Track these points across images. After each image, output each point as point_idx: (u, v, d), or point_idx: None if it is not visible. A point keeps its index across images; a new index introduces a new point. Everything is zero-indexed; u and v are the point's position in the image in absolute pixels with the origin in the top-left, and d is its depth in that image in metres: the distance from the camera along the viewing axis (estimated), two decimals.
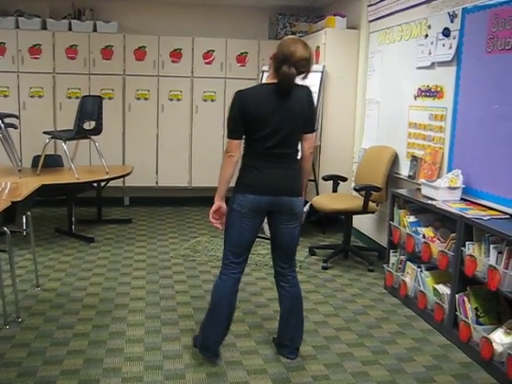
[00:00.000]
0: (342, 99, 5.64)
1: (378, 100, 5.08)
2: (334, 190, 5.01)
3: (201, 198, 6.78)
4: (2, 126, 5.03)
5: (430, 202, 3.63)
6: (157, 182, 6.72)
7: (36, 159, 5.50)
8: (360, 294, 4.11)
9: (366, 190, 4.51)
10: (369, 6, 5.26)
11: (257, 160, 2.83)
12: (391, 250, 4.17)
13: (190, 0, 6.65)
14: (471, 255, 3.12)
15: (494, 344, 2.92)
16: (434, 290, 3.55)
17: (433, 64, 4.09)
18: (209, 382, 2.81)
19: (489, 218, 3.15)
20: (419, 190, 3.97)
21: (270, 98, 2.77)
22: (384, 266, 4.23)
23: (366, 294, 4.13)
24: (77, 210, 5.79)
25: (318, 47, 5.70)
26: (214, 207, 2.92)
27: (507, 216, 3.20)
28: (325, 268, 4.65)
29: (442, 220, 3.66)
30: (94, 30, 6.34)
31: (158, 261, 4.74)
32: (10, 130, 5.26)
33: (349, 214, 4.83)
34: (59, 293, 3.94)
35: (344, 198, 4.88)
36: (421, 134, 4.28)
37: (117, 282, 4.19)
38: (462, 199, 3.60)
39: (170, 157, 6.65)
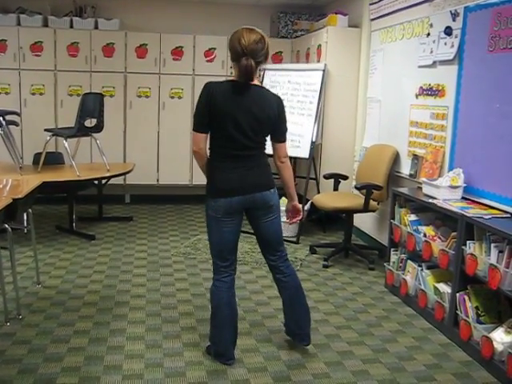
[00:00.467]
0: (344, 97, 5.63)
1: (380, 98, 5.07)
2: (335, 189, 5.01)
3: (202, 196, 6.70)
4: (4, 123, 5.03)
5: (431, 200, 3.62)
6: (158, 180, 6.72)
7: (37, 156, 5.50)
8: (361, 293, 4.11)
9: (367, 189, 4.51)
10: (370, 4, 5.25)
11: (222, 162, 2.83)
12: (392, 249, 4.17)
13: None
14: (472, 254, 3.12)
15: (494, 343, 2.92)
16: (435, 288, 3.55)
17: (434, 63, 4.09)
18: (209, 379, 2.81)
19: (490, 216, 3.15)
20: (420, 188, 3.96)
21: (236, 94, 2.75)
22: (385, 264, 4.23)
23: (366, 292, 4.13)
24: (78, 208, 5.80)
25: (320, 45, 5.69)
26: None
27: (508, 215, 3.19)
28: (325, 266, 4.66)
29: (442, 219, 3.66)
30: (96, 27, 6.34)
31: (158, 258, 4.74)
32: (12, 127, 5.25)
33: (350, 213, 4.82)
34: (60, 290, 3.94)
35: (345, 197, 4.88)
36: (422, 133, 4.28)
37: (117, 279, 4.20)
38: (463, 198, 3.60)
39: (171, 155, 6.65)
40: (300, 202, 3.16)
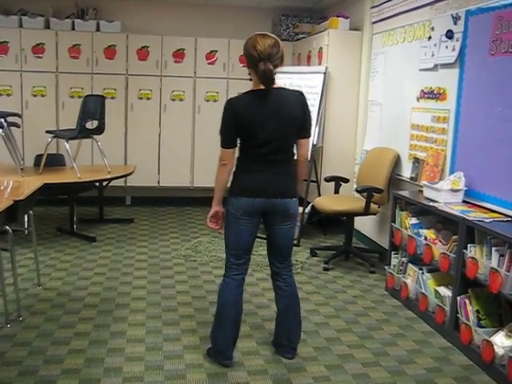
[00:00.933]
0: (345, 100, 5.64)
1: (381, 101, 5.07)
2: (336, 192, 5.01)
3: (202, 199, 6.76)
4: (5, 124, 5.03)
5: (431, 204, 3.62)
6: (159, 182, 6.72)
7: (38, 158, 5.51)
8: (361, 296, 4.10)
9: (367, 192, 4.51)
10: (372, 7, 5.26)
11: (251, 164, 2.84)
12: (393, 252, 4.17)
13: (193, 0, 6.66)
14: (473, 258, 3.12)
15: (495, 347, 2.92)
16: (436, 292, 3.55)
17: (436, 66, 4.09)
18: (209, 382, 2.81)
19: (491, 220, 3.15)
20: (421, 191, 3.96)
21: (259, 103, 2.77)
22: (385, 267, 4.22)
23: (367, 295, 4.12)
24: (78, 210, 5.79)
25: (321, 48, 5.70)
26: (211, 212, 2.96)
27: (509, 219, 3.19)
28: (326, 269, 4.65)
29: (443, 222, 3.65)
30: (97, 29, 6.35)
31: (159, 261, 4.74)
32: (13, 128, 5.26)
33: (350, 216, 4.82)
34: (60, 292, 3.94)
35: (346, 200, 4.88)
36: (423, 136, 4.28)
37: (118, 281, 4.19)
38: (464, 201, 3.60)
39: (172, 157, 6.65)
40: (301, 205, 3.16)
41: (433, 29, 4.13)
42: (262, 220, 2.95)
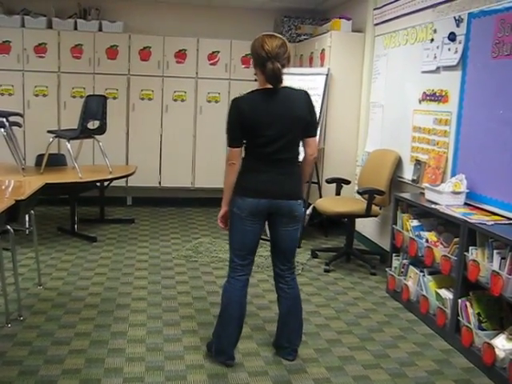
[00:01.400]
0: (347, 102, 5.63)
1: (383, 103, 5.07)
2: (337, 193, 5.01)
3: (204, 199, 6.79)
4: (7, 124, 5.04)
5: (433, 206, 3.62)
6: (160, 183, 6.72)
7: (40, 158, 5.51)
8: (362, 298, 4.10)
9: (369, 194, 4.51)
10: (374, 9, 5.26)
11: (256, 164, 2.84)
12: (394, 254, 4.17)
13: (195, 1, 6.67)
14: (474, 260, 3.11)
15: (496, 349, 2.91)
16: (437, 294, 3.54)
17: (438, 68, 4.09)
18: (210, 383, 2.81)
19: (492, 223, 3.15)
20: (423, 194, 3.96)
21: (264, 102, 2.77)
22: (386, 269, 4.22)
23: (368, 297, 4.12)
24: (79, 210, 5.80)
25: (323, 50, 5.70)
26: (221, 212, 2.96)
27: (511, 221, 3.19)
28: (327, 271, 4.65)
29: (445, 224, 3.65)
30: (100, 29, 6.36)
31: (160, 261, 4.74)
32: (15, 128, 5.26)
33: (352, 217, 4.82)
34: (61, 292, 3.94)
35: (347, 201, 4.87)
36: (425, 138, 4.27)
37: (119, 281, 4.19)
38: (465, 204, 3.60)
39: (174, 157, 6.65)
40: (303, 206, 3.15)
41: (435, 31, 4.13)
42: (267, 221, 2.95)
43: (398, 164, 4.65)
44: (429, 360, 3.16)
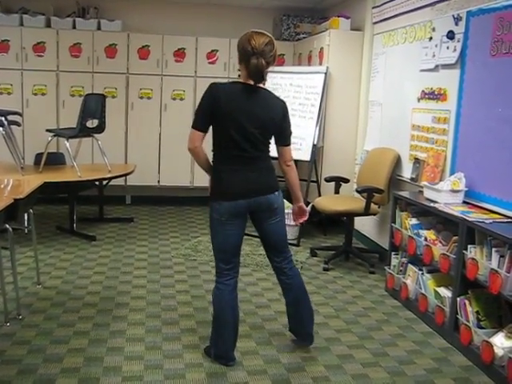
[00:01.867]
0: (345, 101, 5.63)
1: (381, 102, 5.07)
2: (336, 192, 5.01)
3: (202, 198, 6.76)
4: (5, 123, 5.03)
5: (432, 204, 3.62)
6: (159, 181, 6.72)
7: (38, 157, 5.51)
8: (361, 296, 4.10)
9: (368, 192, 4.51)
10: (373, 7, 5.26)
11: (227, 165, 2.83)
12: (393, 253, 4.17)
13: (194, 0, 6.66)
14: (473, 258, 3.11)
15: (494, 348, 2.92)
16: (435, 292, 3.54)
17: (437, 66, 4.09)
18: (209, 381, 2.81)
19: (491, 221, 3.15)
20: (421, 192, 3.96)
21: (242, 96, 2.76)
22: (385, 268, 4.22)
23: (366, 295, 4.12)
24: (78, 208, 5.80)
25: (322, 48, 5.70)
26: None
27: (509, 219, 3.19)
28: (326, 269, 4.65)
29: (444, 223, 3.65)
30: (98, 28, 6.35)
31: (159, 260, 4.74)
32: (13, 127, 5.26)
33: (350, 216, 4.82)
34: (60, 291, 3.94)
35: (346, 200, 4.88)
36: (424, 137, 4.28)
37: (118, 280, 4.19)
38: (464, 202, 3.60)
39: (173, 156, 6.64)
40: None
41: (434, 29, 4.13)
42: (251, 219, 2.95)
43: (397, 162, 4.65)
44: (427, 358, 3.17)
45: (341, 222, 5.45)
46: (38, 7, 6.34)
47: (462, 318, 3.21)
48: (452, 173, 3.81)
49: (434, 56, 4.11)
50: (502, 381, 2.86)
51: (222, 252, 2.91)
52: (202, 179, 6.69)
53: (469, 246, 3.18)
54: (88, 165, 5.93)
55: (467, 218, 3.22)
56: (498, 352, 2.90)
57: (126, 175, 5.88)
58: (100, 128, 5.42)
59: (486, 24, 3.46)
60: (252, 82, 2.75)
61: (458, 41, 3.79)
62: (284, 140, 2.93)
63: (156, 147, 6.63)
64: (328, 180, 5.05)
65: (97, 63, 6.34)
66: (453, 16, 3.86)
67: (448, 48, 3.92)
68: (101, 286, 4.07)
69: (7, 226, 3.39)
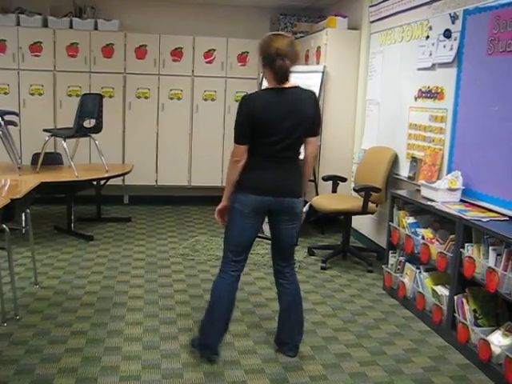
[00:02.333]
0: (343, 100, 5.63)
1: (379, 101, 5.07)
2: (334, 191, 5.01)
3: (200, 198, 6.79)
4: (2, 123, 5.03)
5: (429, 203, 3.62)
6: (156, 181, 6.72)
7: (36, 157, 5.50)
8: (358, 295, 4.11)
9: (365, 191, 4.51)
10: (370, 6, 5.26)
11: (260, 161, 2.84)
12: (390, 251, 4.17)
13: None
14: (470, 257, 3.12)
15: (492, 346, 2.92)
16: (433, 291, 3.55)
17: (433, 65, 4.09)
18: (206, 381, 2.81)
19: (488, 219, 3.15)
20: (419, 191, 3.96)
21: (277, 102, 2.78)
22: (383, 266, 4.22)
23: (364, 294, 4.13)
24: (76, 208, 5.79)
25: (319, 47, 5.70)
26: (220, 206, 2.96)
27: (506, 218, 3.19)
28: (323, 268, 4.65)
29: (441, 221, 3.66)
30: (95, 28, 6.34)
31: (156, 259, 4.73)
32: (10, 127, 5.25)
33: (348, 215, 4.82)
34: (57, 291, 3.94)
35: (343, 199, 4.88)
36: (421, 135, 4.28)
37: (115, 280, 4.19)
38: (461, 201, 3.60)
39: (170, 156, 6.65)
40: None
41: (431, 28, 4.13)
42: (268, 218, 2.96)
43: (394, 161, 4.65)
44: (425, 356, 3.17)
45: (338, 220, 5.46)
46: (34, 7, 6.33)
47: (459, 317, 3.22)
48: (449, 171, 3.82)
49: (430, 55, 4.11)
50: (499, 379, 2.86)
51: (235, 243, 2.92)
52: (200, 179, 6.72)
53: (466, 245, 3.18)
54: (85, 165, 5.93)
55: (464, 217, 3.22)
56: (496, 350, 2.91)
57: (123, 175, 5.88)
58: (97, 128, 5.41)
59: (483, 22, 3.47)
60: (279, 85, 2.78)
61: (455, 39, 3.80)
62: (315, 130, 2.93)
63: (154, 147, 6.63)
64: (325, 179, 5.05)
65: (94, 63, 6.33)
66: (449, 15, 3.87)
67: (445, 47, 3.92)
68: (98, 285, 4.06)
69: (4, 226, 3.38)
